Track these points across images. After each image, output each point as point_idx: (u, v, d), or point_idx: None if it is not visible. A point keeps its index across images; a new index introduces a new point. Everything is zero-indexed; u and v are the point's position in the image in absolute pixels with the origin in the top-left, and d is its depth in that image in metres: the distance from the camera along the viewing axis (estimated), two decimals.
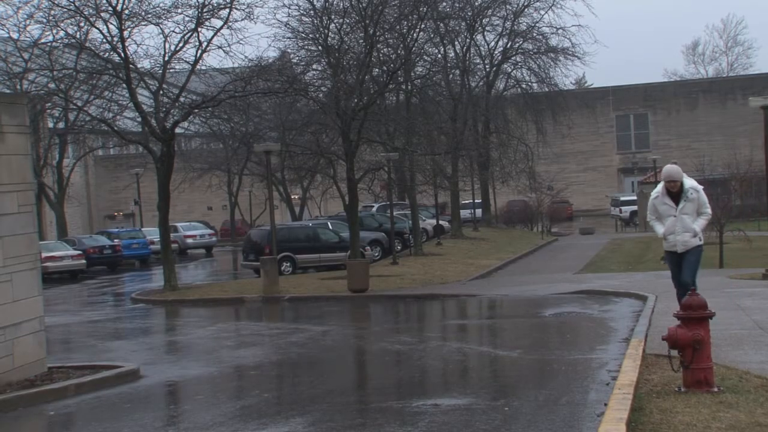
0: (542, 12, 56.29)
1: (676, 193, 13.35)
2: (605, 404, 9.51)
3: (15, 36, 40.20)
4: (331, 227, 40.12)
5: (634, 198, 65.07)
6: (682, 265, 13.48)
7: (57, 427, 11.43)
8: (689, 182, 13.41)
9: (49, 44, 34.03)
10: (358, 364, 16.00)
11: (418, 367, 14.23)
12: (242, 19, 32.00)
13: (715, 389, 10.12)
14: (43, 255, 35.91)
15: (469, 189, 54.94)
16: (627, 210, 65.35)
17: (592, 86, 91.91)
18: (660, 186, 13.56)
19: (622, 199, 68.58)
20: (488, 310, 23.07)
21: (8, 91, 36.67)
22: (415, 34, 37.63)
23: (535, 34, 56.18)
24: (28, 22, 35.25)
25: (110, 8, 29.91)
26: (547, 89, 57.94)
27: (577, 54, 56.35)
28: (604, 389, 10.76)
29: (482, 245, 44.87)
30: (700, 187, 13.45)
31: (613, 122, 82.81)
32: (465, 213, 57.87)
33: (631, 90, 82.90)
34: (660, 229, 13.55)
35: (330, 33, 33.72)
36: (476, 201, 58.32)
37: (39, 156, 47.93)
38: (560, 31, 55.84)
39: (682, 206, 13.30)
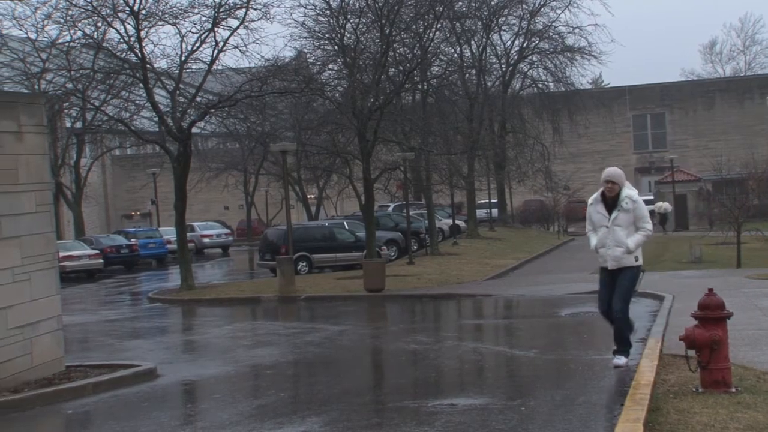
0: (558, 11, 56.24)
1: (612, 200, 12.21)
2: (622, 404, 9.49)
3: (33, 36, 40.47)
4: (347, 227, 40.15)
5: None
6: (614, 288, 12.22)
7: (75, 425, 11.48)
8: (628, 191, 12.22)
9: (66, 44, 34.22)
10: (374, 364, 16.00)
11: (435, 367, 14.21)
12: (258, 19, 32.15)
13: (733, 390, 10.08)
14: (61, 254, 36.09)
15: (485, 189, 54.88)
16: None
17: (608, 86, 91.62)
18: (598, 192, 12.50)
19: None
20: (504, 310, 23.04)
21: (26, 91, 36.87)
22: (431, 34, 37.61)
23: (551, 34, 56.12)
24: (45, 22, 35.55)
25: (127, 8, 30.03)
26: (563, 89, 57.85)
27: (593, 53, 56.26)
28: (620, 389, 10.72)
29: (498, 245, 44.82)
30: (639, 198, 12.29)
31: (630, 122, 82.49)
32: (481, 213, 57.80)
33: (648, 89, 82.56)
34: (593, 240, 12.40)
35: (346, 33, 33.75)
36: (492, 201, 58.23)
37: (56, 156, 48.13)
38: (576, 31, 55.76)
39: (615, 216, 12.14)
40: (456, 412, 10.18)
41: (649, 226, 12.23)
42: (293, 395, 12.70)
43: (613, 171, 12.33)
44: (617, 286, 12.16)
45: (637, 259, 12.18)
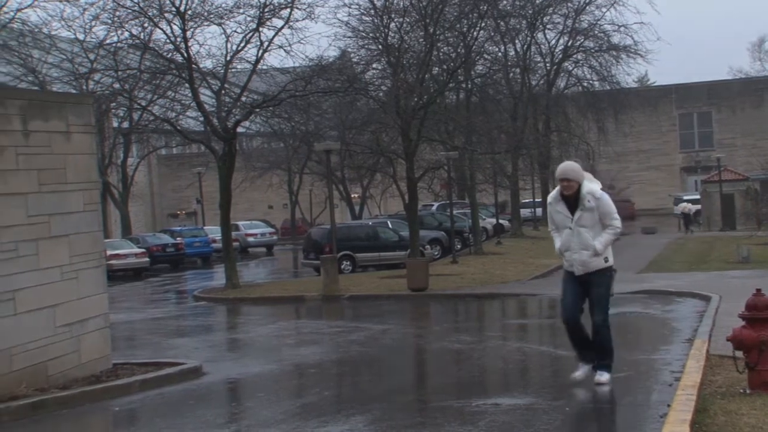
0: (604, 9, 55.85)
1: (572, 198, 10.83)
2: (668, 405, 9.40)
3: (81, 37, 40.92)
4: (390, 226, 40.20)
5: (698, 197, 64.23)
6: (589, 298, 10.96)
7: (122, 422, 11.60)
8: (589, 186, 10.82)
9: (114, 45, 34.57)
10: (417, 363, 16.00)
11: (478, 367, 14.19)
12: (303, 19, 32.33)
13: None
14: (108, 253, 36.44)
15: (529, 188, 54.64)
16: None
17: (654, 84, 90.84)
18: (556, 190, 11.12)
19: (685, 198, 67.72)
20: (548, 310, 22.90)
21: (75, 92, 37.30)
22: (475, 33, 37.57)
23: (596, 32, 55.75)
24: (93, 23, 35.95)
25: (173, 9, 30.31)
26: (608, 87, 57.48)
27: (639, 52, 55.78)
28: (667, 390, 10.63)
29: (542, 244, 44.55)
30: (602, 193, 10.89)
31: (676, 120, 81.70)
32: (525, 212, 57.58)
33: (695, 88, 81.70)
34: (557, 243, 11.11)
35: (390, 32, 33.80)
36: (537, 200, 57.98)
37: (104, 155, 48.60)
38: (622, 29, 55.32)
39: (578, 216, 10.78)
40: (500, 412, 10.15)
41: (618, 222, 10.92)
42: (337, 394, 12.74)
43: (567, 166, 10.99)
44: (593, 297, 10.90)
45: (606, 259, 10.96)
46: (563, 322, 11.11)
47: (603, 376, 10.95)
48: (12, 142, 12.52)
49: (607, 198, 10.90)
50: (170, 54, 31.74)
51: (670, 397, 9.85)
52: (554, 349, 15.82)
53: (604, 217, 10.82)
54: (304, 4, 31.21)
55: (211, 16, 31.31)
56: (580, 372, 11.12)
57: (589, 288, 10.93)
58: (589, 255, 10.82)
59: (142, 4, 30.42)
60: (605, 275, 10.93)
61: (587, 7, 55.09)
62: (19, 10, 38.64)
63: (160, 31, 31.58)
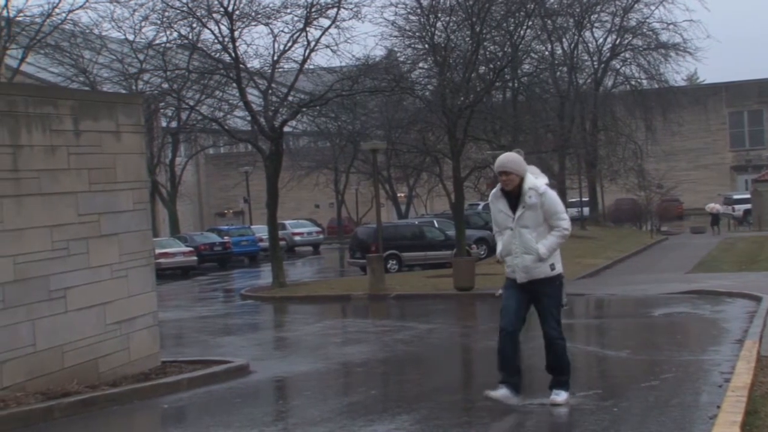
0: (653, 7, 55.51)
1: (514, 194, 9.57)
2: (718, 407, 9.31)
3: (131, 38, 41.40)
4: (436, 225, 40.16)
5: (748, 196, 63.50)
6: (537, 311, 9.88)
7: (171, 419, 11.71)
8: (532, 180, 9.58)
9: (162, 45, 34.94)
10: (464, 363, 15.99)
11: (525, 367, 14.10)
12: (350, 19, 32.51)
13: None
14: (157, 252, 36.82)
15: (576, 187, 54.32)
16: (740, 208, 63.79)
17: (704, 83, 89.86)
18: (498, 185, 9.89)
19: (736, 197, 66.96)
20: (596, 310, 22.78)
21: (124, 92, 37.71)
22: (522, 32, 37.42)
23: (644, 30, 55.40)
24: (143, 24, 36.42)
25: (221, 9, 30.56)
26: (656, 86, 57.01)
27: (688, 50, 55.38)
28: (716, 391, 10.52)
29: (590, 244, 44.31)
30: (547, 189, 9.61)
31: (726, 119, 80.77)
32: (572, 211, 57.01)
33: (745, 86, 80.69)
34: (498, 246, 9.89)
35: (437, 31, 33.77)
36: (584, 199, 57.64)
37: (153, 154, 49.04)
38: (671, 27, 54.96)
39: (519, 214, 9.52)
40: (546, 412, 10.10)
41: (566, 223, 9.72)
42: (383, 393, 12.76)
43: (505, 157, 9.67)
44: (542, 309, 9.80)
45: (553, 267, 9.75)
46: (500, 328, 9.96)
47: (560, 396, 10.02)
48: (64, 142, 12.68)
49: (552, 194, 9.70)
50: (218, 54, 32.01)
51: (719, 399, 9.75)
52: (601, 349, 15.73)
53: (550, 216, 9.61)
54: (351, 3, 31.38)
55: (259, 16, 31.57)
56: (499, 393, 10.02)
57: (536, 300, 9.83)
58: (533, 260, 9.60)
59: (190, 5, 30.74)
60: (553, 285, 9.77)
61: (636, 5, 54.79)
62: (71, 11, 39.29)
63: (208, 31, 31.90)
